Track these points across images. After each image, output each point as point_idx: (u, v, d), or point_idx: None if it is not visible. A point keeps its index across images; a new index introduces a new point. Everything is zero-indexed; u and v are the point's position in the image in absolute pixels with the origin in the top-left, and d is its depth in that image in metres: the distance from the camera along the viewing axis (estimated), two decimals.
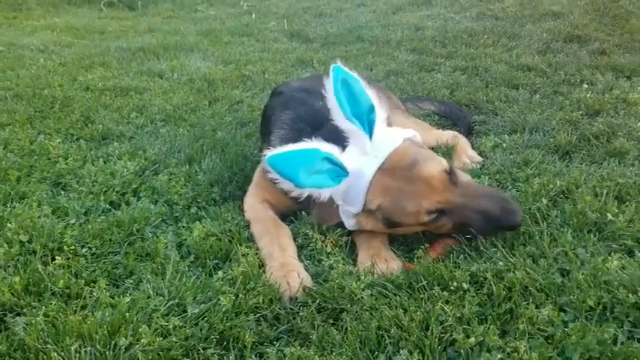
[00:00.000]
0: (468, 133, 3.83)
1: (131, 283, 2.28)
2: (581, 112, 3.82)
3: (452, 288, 2.09)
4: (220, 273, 2.27)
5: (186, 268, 2.34)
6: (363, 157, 2.39)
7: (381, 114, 2.43)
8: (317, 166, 2.28)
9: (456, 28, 6.57)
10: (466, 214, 2.34)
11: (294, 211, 2.77)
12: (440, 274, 2.16)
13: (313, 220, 2.58)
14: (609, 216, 2.49)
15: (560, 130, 3.54)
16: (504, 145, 3.49)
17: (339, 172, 2.34)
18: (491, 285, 2.07)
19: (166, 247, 2.47)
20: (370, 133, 2.40)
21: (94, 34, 7.79)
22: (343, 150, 2.40)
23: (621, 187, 2.77)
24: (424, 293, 2.08)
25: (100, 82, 5.13)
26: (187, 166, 3.29)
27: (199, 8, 9.86)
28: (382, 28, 6.99)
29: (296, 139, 2.51)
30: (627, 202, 2.65)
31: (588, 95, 4.06)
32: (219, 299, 2.07)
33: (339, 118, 2.38)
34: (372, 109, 2.42)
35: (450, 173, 2.38)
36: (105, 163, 3.39)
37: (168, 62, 5.83)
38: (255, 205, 2.76)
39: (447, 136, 3.58)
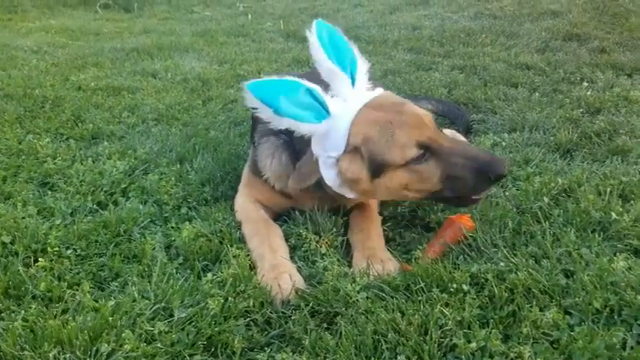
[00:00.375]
0: (467, 131, 3.76)
1: (116, 286, 2.18)
2: (581, 110, 3.76)
3: (451, 290, 1.99)
4: (209, 275, 2.17)
5: (174, 270, 2.23)
6: (345, 102, 2.28)
7: (363, 66, 2.34)
8: (299, 98, 2.16)
9: (454, 28, 6.49)
10: (455, 162, 2.21)
11: (286, 210, 2.68)
12: (439, 276, 2.06)
13: (291, 186, 2.39)
14: (614, 215, 2.41)
15: (561, 129, 3.48)
16: (504, 143, 3.42)
17: (321, 111, 2.20)
18: (492, 287, 1.98)
19: (154, 249, 2.37)
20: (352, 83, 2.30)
21: (89, 36, 7.70)
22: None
23: (625, 185, 2.70)
24: (422, 295, 1.99)
25: (92, 81, 5.03)
26: (178, 166, 3.19)
27: (195, 9, 9.78)
28: (379, 28, 6.91)
29: (277, 134, 2.46)
30: (632, 201, 2.58)
31: (589, 93, 3.99)
32: (207, 303, 1.97)
33: (322, 60, 2.26)
34: (354, 62, 2.32)
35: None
36: (94, 162, 3.29)
37: (162, 62, 5.74)
38: (245, 205, 2.66)
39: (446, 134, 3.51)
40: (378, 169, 2.24)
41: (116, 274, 2.27)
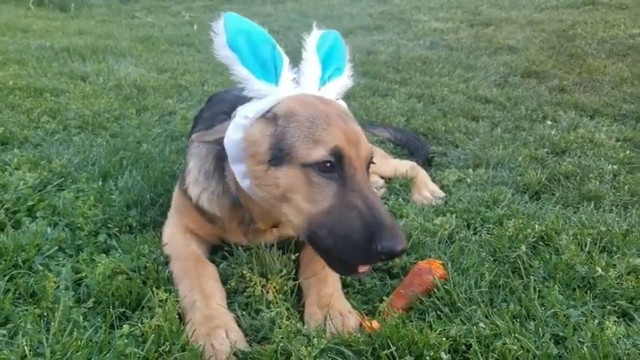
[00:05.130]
0: (427, 164, 3.49)
1: (3, 336, 1.69)
2: (546, 149, 3.59)
3: (427, 358, 1.64)
4: (126, 327, 1.72)
5: (81, 318, 1.76)
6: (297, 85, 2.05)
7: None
8: (260, 50, 1.94)
9: (410, 55, 6.30)
10: (354, 202, 1.75)
11: (218, 241, 2.30)
12: (411, 339, 1.70)
13: (195, 137, 2.11)
14: (599, 270, 2.17)
15: (528, 168, 3.28)
16: (468, 180, 3.17)
17: (271, 75, 1.97)
18: (477, 357, 1.63)
19: (57, 287, 1.89)
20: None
21: (16, 32, 7.10)
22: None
23: (603, 235, 2.45)
24: None
25: (11, 79, 4.48)
26: (100, 183, 2.74)
27: (137, 15, 9.27)
28: None
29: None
30: (613, 254, 2.35)
31: (553, 132, 3.82)
32: None
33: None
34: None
35: (371, 158, 1.97)
36: None
37: (94, 65, 5.24)
38: (175, 237, 2.24)
39: (406, 166, 3.26)
40: (280, 154, 1.84)
41: (5, 318, 1.79)
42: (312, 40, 2.13)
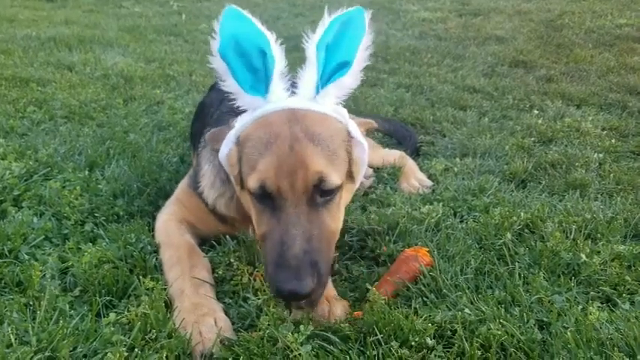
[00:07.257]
0: (415, 153, 3.49)
1: None
2: (533, 138, 3.61)
3: (413, 344, 1.66)
4: (112, 315, 1.73)
5: (67, 306, 1.77)
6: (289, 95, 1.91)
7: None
8: (251, 58, 1.85)
9: (399, 45, 6.30)
10: (272, 234, 1.74)
11: (217, 236, 2.28)
12: (397, 325, 1.72)
13: (206, 137, 2.04)
14: (583, 257, 2.18)
15: (515, 157, 3.30)
16: (455, 169, 3.18)
17: (260, 85, 1.88)
18: (462, 341, 1.65)
19: (44, 276, 1.89)
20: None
21: (2, 21, 7.04)
22: None
23: (588, 222, 2.48)
24: (378, 349, 1.63)
25: None
26: (87, 172, 2.73)
27: (124, 4, 9.19)
28: None
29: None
30: (598, 241, 2.37)
31: (540, 122, 3.84)
32: (106, 354, 1.52)
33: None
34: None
35: (320, 185, 1.76)
36: None
37: (81, 55, 5.21)
38: (169, 226, 2.23)
39: (394, 156, 3.27)
40: (242, 178, 1.87)
41: None
42: (319, 31, 1.97)
